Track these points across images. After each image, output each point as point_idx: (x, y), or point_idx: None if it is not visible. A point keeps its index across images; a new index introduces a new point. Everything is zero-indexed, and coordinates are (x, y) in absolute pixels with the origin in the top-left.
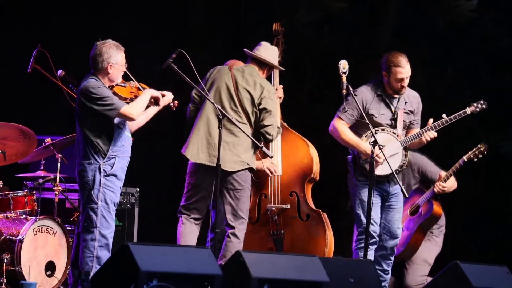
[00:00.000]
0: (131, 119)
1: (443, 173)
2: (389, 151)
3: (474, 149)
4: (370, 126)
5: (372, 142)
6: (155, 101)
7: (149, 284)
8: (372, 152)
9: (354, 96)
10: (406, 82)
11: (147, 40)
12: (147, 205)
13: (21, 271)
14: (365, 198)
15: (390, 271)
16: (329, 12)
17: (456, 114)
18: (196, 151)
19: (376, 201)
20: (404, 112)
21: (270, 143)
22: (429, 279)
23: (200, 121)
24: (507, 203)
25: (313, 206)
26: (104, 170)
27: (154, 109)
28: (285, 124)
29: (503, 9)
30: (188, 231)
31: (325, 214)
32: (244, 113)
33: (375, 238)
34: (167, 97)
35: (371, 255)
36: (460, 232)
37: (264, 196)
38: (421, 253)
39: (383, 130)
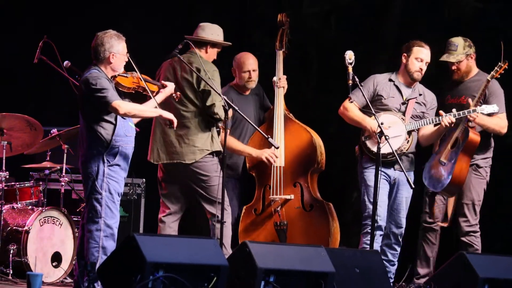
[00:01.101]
0: (118, 113)
1: (470, 101)
2: (391, 133)
3: (496, 68)
4: (373, 111)
5: (378, 132)
6: (170, 123)
7: (155, 275)
8: (379, 137)
9: (361, 86)
10: (424, 67)
11: (153, 32)
12: (153, 196)
13: (27, 262)
14: (370, 183)
15: (396, 263)
16: (336, 3)
17: (466, 111)
18: (156, 153)
19: (382, 185)
20: (416, 102)
21: (274, 133)
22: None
23: (156, 124)
24: None
25: (318, 196)
26: (107, 160)
27: (155, 101)
28: (290, 115)
29: (508, 1)
30: (165, 230)
31: (330, 204)
32: (189, 101)
33: (377, 222)
34: (169, 88)
35: (377, 242)
36: None
37: (268, 187)
38: (469, 193)
39: (392, 112)
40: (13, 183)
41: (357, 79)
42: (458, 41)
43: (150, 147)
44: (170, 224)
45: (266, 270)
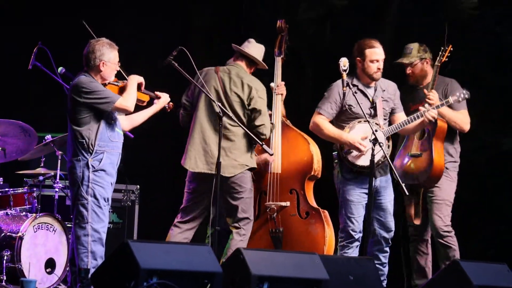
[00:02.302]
0: (128, 112)
1: (425, 91)
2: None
3: (441, 52)
4: (364, 113)
5: (372, 140)
6: (138, 86)
7: (149, 281)
8: (373, 144)
9: (355, 93)
10: (381, 65)
11: (150, 36)
12: (148, 202)
13: (21, 268)
14: (349, 197)
15: (387, 263)
16: (331, 9)
17: (439, 103)
18: (194, 160)
19: (360, 199)
20: (383, 100)
21: (272, 140)
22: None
23: (195, 130)
24: (509, 200)
25: (313, 203)
26: (92, 166)
27: (150, 111)
28: (287, 122)
29: (506, 5)
30: (176, 234)
31: (326, 212)
32: (235, 116)
33: (353, 237)
34: (163, 99)
35: (355, 254)
36: (461, 229)
37: (264, 193)
38: (441, 193)
39: (365, 121)
40: (7, 189)
41: (351, 86)
42: (413, 45)
43: (187, 154)
44: (185, 232)
45: (260, 277)
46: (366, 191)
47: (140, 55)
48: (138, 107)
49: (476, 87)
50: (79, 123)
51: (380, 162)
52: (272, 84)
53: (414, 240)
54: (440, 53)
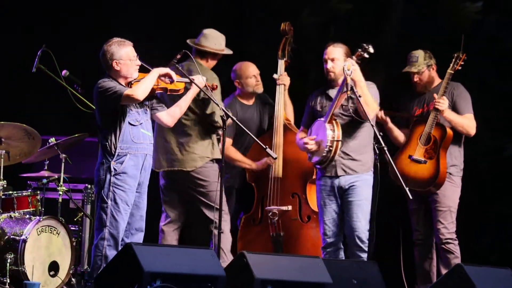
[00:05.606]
0: (136, 100)
1: (435, 95)
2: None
3: (455, 60)
4: (375, 129)
5: (376, 145)
6: (169, 78)
7: (153, 284)
8: (378, 149)
9: (359, 98)
10: (331, 64)
11: (150, 42)
12: (149, 205)
13: (24, 271)
14: (319, 201)
15: None
16: (334, 13)
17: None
18: (158, 160)
19: (327, 202)
20: (350, 97)
21: (273, 143)
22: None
23: (157, 131)
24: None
25: (315, 207)
26: (114, 169)
27: (189, 96)
28: (290, 125)
29: (509, 11)
30: (165, 238)
31: None
32: (189, 110)
33: (325, 241)
34: (197, 80)
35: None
36: (464, 234)
37: (266, 197)
38: (445, 200)
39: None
40: (10, 192)
41: (355, 90)
42: (418, 53)
43: (154, 155)
44: (170, 233)
45: (264, 280)
46: (331, 193)
47: (141, 59)
48: (174, 97)
49: (480, 92)
50: (102, 126)
51: (322, 161)
52: (275, 76)
53: (419, 244)
54: (454, 60)
